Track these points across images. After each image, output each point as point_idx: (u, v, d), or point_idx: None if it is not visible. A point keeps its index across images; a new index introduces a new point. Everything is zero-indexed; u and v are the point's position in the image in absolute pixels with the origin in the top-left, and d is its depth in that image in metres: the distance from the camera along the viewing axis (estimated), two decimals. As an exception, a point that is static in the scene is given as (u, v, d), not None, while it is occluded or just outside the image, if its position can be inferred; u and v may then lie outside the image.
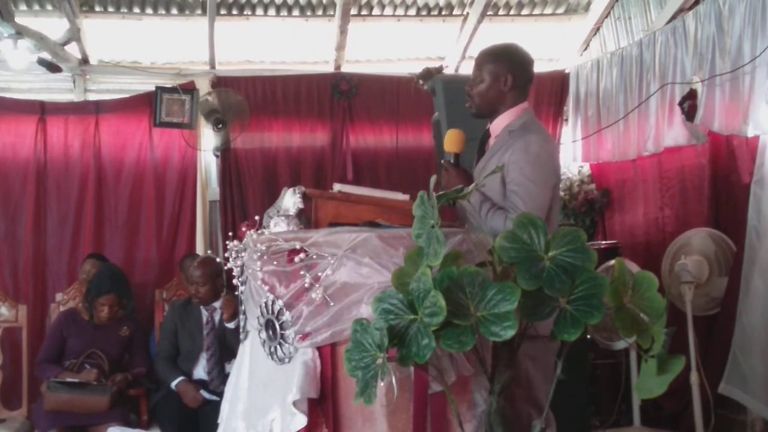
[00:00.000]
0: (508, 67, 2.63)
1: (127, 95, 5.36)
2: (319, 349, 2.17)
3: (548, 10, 5.65)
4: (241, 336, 2.52)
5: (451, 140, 2.64)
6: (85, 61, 5.35)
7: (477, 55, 2.71)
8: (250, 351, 2.42)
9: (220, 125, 5.15)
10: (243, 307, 2.48)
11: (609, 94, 5.26)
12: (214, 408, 3.35)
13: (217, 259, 4.06)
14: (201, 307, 4.19)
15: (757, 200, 3.87)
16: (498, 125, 2.66)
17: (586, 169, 5.66)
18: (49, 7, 5.05)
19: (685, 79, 4.42)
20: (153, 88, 5.26)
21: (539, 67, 5.80)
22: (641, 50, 4.89)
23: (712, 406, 4.00)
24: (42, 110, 5.19)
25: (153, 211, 5.29)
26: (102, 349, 4.17)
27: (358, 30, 5.45)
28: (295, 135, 5.57)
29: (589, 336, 4.32)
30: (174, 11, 5.24)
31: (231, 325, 4.04)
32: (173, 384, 4.06)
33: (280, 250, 2.22)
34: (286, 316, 2.18)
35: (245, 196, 5.43)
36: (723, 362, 3.98)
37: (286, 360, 2.20)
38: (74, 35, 5.02)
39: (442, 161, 2.68)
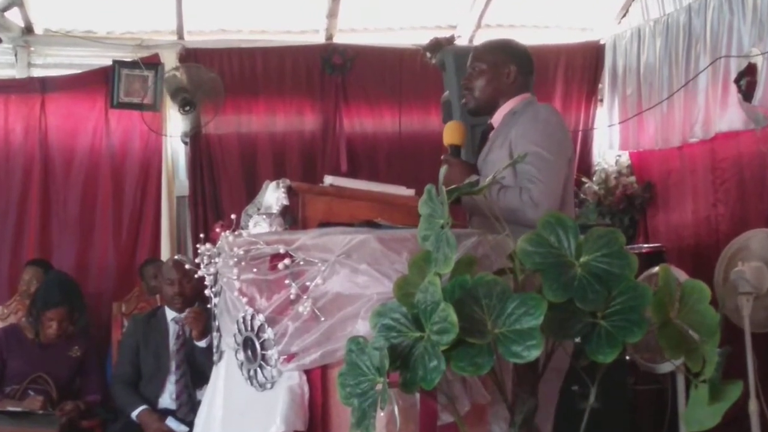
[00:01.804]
0: (510, 58, 2.83)
1: (78, 71, 5.35)
2: (308, 372, 2.17)
3: (580, -30, 5.65)
4: (215, 357, 2.52)
5: (451, 132, 2.79)
6: (28, 30, 5.34)
7: (474, 49, 2.92)
8: (225, 374, 2.42)
9: (188, 107, 5.15)
10: (216, 323, 2.48)
11: (652, 69, 5.25)
12: (182, 441, 3.35)
13: (187, 266, 4.04)
14: (169, 319, 4.19)
15: (828, 195, 3.87)
16: (500, 114, 2.83)
17: (625, 158, 5.66)
18: (-14, -34, 5.05)
19: (742, 52, 4.42)
20: (110, 63, 5.26)
21: (569, 38, 5.91)
22: (690, 17, 4.88)
23: (774, 440, 4.00)
24: (-23, 88, 5.20)
25: (110, 209, 5.29)
26: (49, 373, 4.17)
27: (354, -7, 5.46)
28: (279, 118, 5.57)
29: (628, 357, 4.32)
30: (135, -29, 5.25)
31: (202, 344, 4.04)
32: (134, 414, 4.06)
33: (260, 255, 2.22)
34: (268, 333, 2.18)
35: (219, 190, 5.42)
36: (787, 387, 3.98)
37: (268, 385, 2.21)
38: (16, 0, 5.01)
39: (443, 156, 2.79)
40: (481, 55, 2.85)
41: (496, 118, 2.83)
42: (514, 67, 2.80)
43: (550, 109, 2.76)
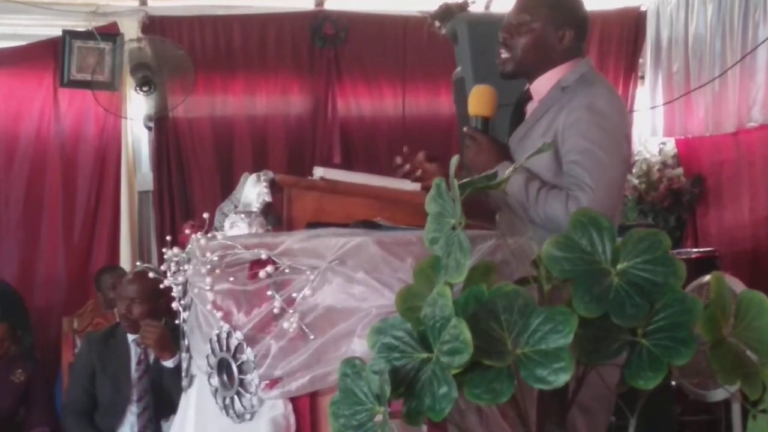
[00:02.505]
0: (570, 18, 2.68)
1: (22, 42, 5.36)
2: (294, 400, 2.17)
3: (617, -77, 5.66)
4: (184, 382, 2.52)
5: (479, 99, 2.67)
6: (-37, -6, 5.35)
7: None
8: (196, 403, 2.43)
9: (147, 87, 5.14)
10: (186, 342, 2.48)
11: (702, 41, 5.26)
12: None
13: (151, 274, 4.04)
14: (130, 340, 4.19)
15: None
16: (543, 84, 2.69)
17: (671, 146, 5.67)
18: None
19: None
20: (59, 33, 5.26)
21: (605, 3, 5.90)
22: (747, -21, 4.90)
23: None
24: None
25: (59, 207, 5.30)
26: (-12, 401, 4.18)
27: (349, -49, 5.47)
28: (260, 99, 5.58)
29: (674, 382, 4.32)
30: (89, -76, 5.26)
31: (169, 364, 4.04)
32: (88, 449, 4.07)
33: (238, 262, 2.22)
34: (247, 354, 2.19)
35: (189, 184, 5.44)
36: None
37: (247, 416, 2.21)
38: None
39: (465, 129, 2.70)
40: (533, 6, 2.66)
41: (538, 88, 2.69)
42: (571, 32, 2.65)
43: (609, 93, 2.61)
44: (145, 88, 5.18)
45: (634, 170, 5.65)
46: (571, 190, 2.47)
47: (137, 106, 5.42)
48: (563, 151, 2.52)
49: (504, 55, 2.70)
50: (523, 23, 2.66)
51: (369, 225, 2.32)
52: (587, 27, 2.76)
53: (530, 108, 2.73)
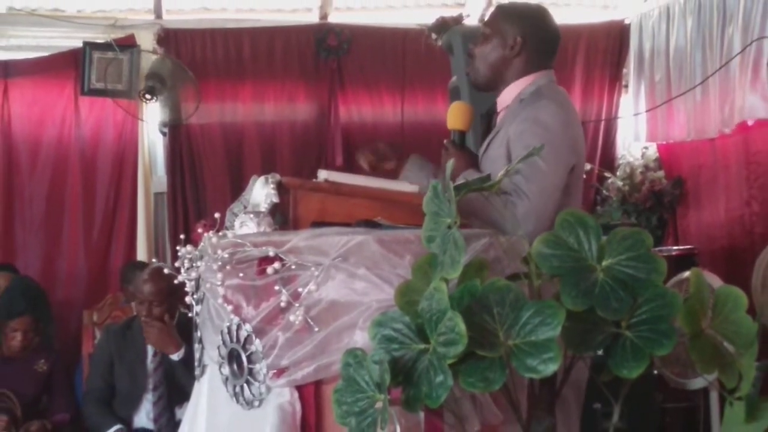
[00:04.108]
0: (518, 25, 2.69)
1: (45, 53, 5.36)
2: (300, 388, 2.17)
3: (602, -59, 5.65)
4: (197, 372, 2.52)
5: (456, 115, 2.74)
6: (-10, 8, 5.35)
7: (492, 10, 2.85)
8: (208, 391, 2.43)
9: (150, 96, 5.13)
10: (199, 334, 2.48)
11: (682, 51, 5.25)
12: (160, 466, 3.36)
13: (165, 270, 4.04)
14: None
15: None
16: (507, 96, 2.73)
17: (653, 151, 5.66)
18: (-57, -62, 5.06)
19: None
20: (80, 44, 5.26)
21: (591, 17, 5.90)
22: (724, -7, 4.89)
23: (819, 464, 4.00)
24: (-67, 73, 5.21)
25: (80, 207, 5.30)
26: (13, 389, 4.17)
27: (351, -33, 5.47)
28: (268, 106, 5.58)
29: (656, 371, 4.32)
30: (107, -57, 5.25)
31: (175, 357, 4.04)
32: (107, 435, 4.07)
33: (247, 259, 2.22)
34: (256, 345, 2.19)
35: (201, 186, 5.43)
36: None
37: (256, 403, 2.21)
38: (-25, -25, 5.02)
39: (444, 141, 2.76)
40: (489, 19, 2.76)
41: (503, 100, 2.74)
42: (519, 38, 2.65)
43: (556, 106, 2.61)
44: (147, 96, 5.18)
45: (618, 173, 5.66)
46: (511, 196, 2.49)
47: (153, 112, 5.42)
48: (512, 158, 2.55)
49: (468, 66, 2.79)
50: (483, 34, 2.74)
51: (370, 224, 2.32)
52: (543, 35, 2.72)
53: (497, 119, 2.78)
